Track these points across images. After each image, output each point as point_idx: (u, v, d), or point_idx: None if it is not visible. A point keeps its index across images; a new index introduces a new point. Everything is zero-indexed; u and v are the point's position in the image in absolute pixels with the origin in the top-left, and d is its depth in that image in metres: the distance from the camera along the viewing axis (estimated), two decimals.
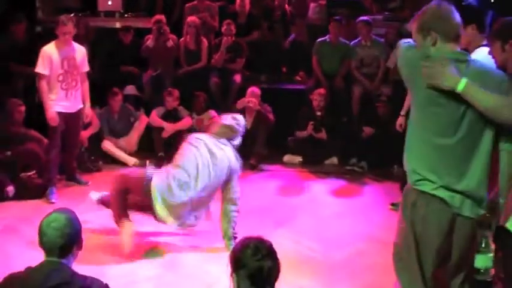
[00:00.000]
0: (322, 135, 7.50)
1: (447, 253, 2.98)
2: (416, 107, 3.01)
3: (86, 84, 6.29)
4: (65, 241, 2.65)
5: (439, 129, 2.89)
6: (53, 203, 5.82)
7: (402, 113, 5.80)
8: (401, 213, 3.06)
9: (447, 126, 2.88)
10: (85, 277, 2.68)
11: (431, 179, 2.89)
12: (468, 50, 3.53)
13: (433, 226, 2.90)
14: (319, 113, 7.54)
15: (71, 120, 6.14)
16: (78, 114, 6.21)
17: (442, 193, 2.88)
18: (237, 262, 2.46)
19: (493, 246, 3.33)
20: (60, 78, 5.96)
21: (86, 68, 6.29)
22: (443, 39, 2.90)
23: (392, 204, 5.75)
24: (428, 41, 2.91)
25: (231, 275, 2.50)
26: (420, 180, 2.93)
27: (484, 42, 4.00)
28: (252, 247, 2.44)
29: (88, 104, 6.30)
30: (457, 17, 2.92)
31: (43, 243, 2.67)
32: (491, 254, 3.51)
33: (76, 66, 6.08)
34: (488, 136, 2.90)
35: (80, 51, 6.18)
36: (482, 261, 3.40)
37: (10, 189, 5.96)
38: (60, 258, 2.66)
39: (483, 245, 3.49)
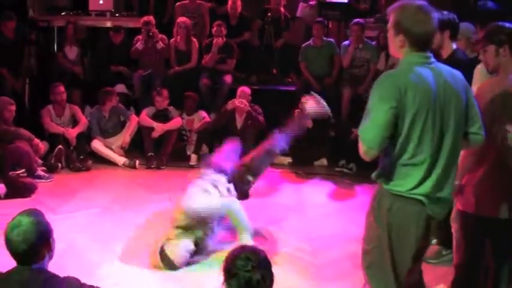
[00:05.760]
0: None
1: (422, 253, 2.96)
2: None
3: None
4: (28, 247, 2.47)
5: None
6: None
7: None
8: (371, 217, 2.98)
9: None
10: (59, 280, 2.54)
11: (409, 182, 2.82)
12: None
13: (412, 230, 2.83)
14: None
15: None
16: None
17: (419, 196, 2.81)
18: (228, 271, 2.45)
19: None
20: None
21: None
22: (411, 45, 2.81)
23: None
24: (398, 41, 2.85)
25: (223, 284, 2.51)
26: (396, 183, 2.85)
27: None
28: (243, 257, 2.43)
29: None
30: (433, 22, 2.80)
31: (8, 250, 2.51)
32: None
33: None
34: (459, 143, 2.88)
35: None
36: None
37: (1, 187, 5.90)
38: (29, 265, 2.51)
39: None
